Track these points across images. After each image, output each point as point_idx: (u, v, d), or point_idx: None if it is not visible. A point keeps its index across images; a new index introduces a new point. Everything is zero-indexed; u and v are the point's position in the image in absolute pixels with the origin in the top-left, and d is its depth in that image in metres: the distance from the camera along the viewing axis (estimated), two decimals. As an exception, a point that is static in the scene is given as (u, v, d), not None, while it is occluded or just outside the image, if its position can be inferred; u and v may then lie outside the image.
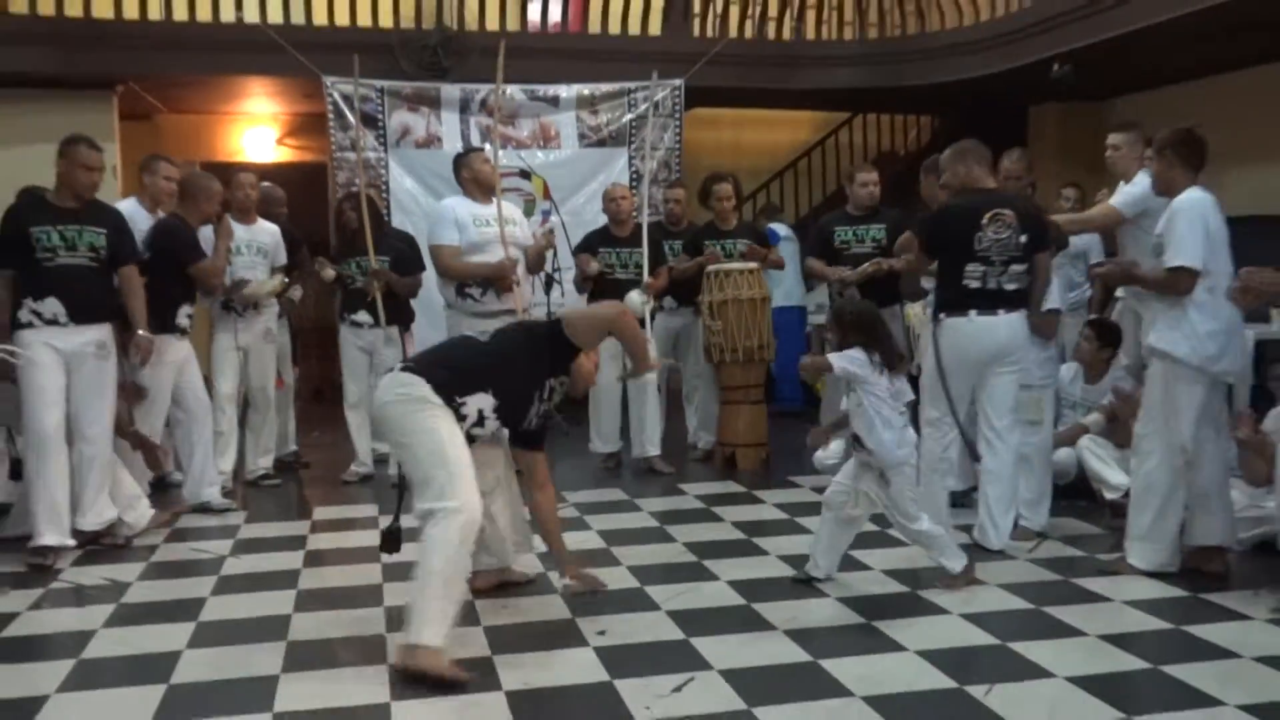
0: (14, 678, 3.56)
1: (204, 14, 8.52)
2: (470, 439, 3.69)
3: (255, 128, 11.05)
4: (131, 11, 8.38)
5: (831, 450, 6.09)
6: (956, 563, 4.23)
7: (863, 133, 11.51)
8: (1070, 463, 5.53)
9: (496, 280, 5.95)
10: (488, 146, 7.32)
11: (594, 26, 9.56)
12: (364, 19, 8.83)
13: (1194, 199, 4.30)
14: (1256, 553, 4.61)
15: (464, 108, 8.66)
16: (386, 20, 8.84)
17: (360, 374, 6.44)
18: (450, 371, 3.72)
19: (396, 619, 3.96)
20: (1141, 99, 9.44)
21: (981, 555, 4.72)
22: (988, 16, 9.05)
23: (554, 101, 8.86)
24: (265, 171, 7.43)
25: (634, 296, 6.29)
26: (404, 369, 3.78)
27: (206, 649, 3.75)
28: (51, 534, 4.71)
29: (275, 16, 8.53)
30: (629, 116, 8.95)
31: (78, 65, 8.19)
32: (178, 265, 5.59)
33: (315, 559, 4.89)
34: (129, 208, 5.97)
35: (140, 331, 5.03)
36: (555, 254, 6.64)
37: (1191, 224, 4.23)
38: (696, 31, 9.65)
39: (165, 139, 10.17)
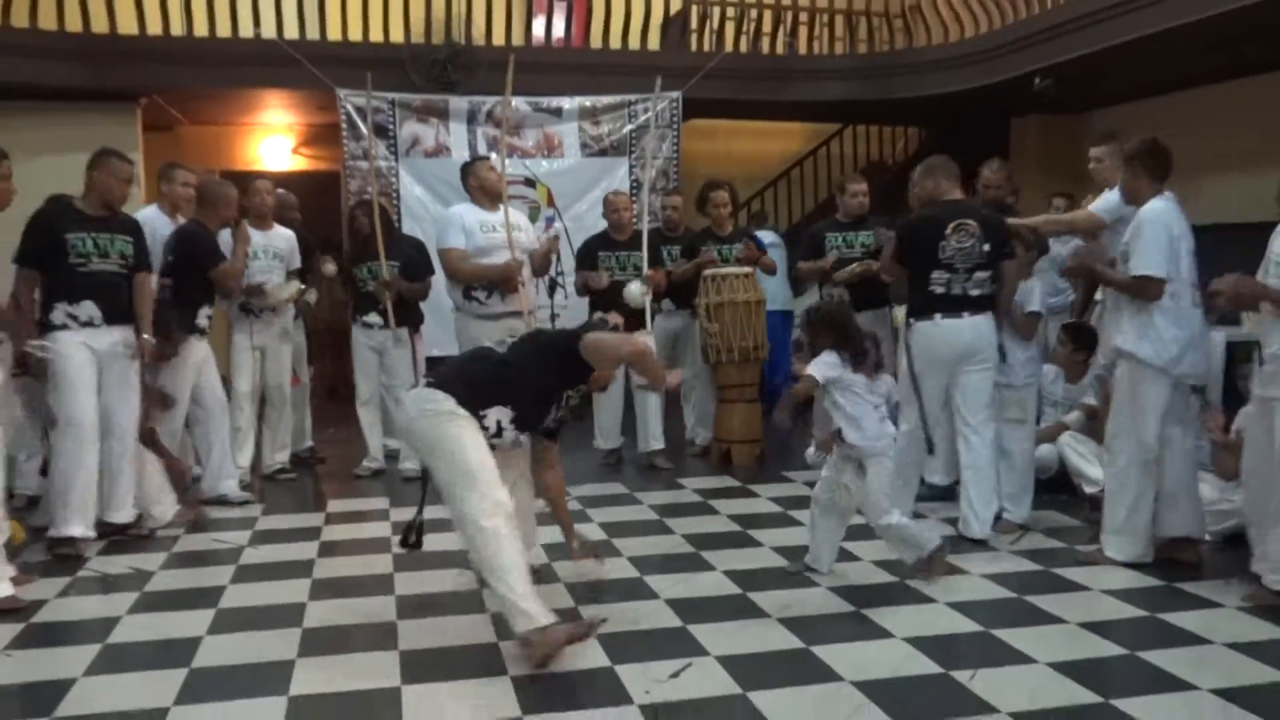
0: (43, 661, 3.58)
1: (224, 30, 8.53)
2: (490, 448, 3.65)
3: (272, 138, 11.05)
4: (155, 28, 8.38)
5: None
6: (930, 542, 4.20)
7: (852, 143, 11.51)
8: (1052, 458, 5.53)
9: (503, 281, 5.94)
10: (494, 155, 7.33)
11: (596, 42, 9.56)
12: (376, 34, 8.84)
13: (1157, 209, 4.31)
14: (1227, 544, 4.61)
15: (471, 119, 8.67)
16: (397, 35, 8.84)
17: (371, 373, 6.44)
18: (469, 387, 3.66)
19: (407, 607, 3.99)
20: (1120, 111, 9.44)
21: (966, 546, 4.74)
22: (972, 33, 9.06)
23: (557, 113, 8.87)
24: (281, 180, 7.44)
25: (633, 288, 6.29)
26: (428, 385, 3.74)
27: (226, 635, 3.76)
28: (79, 525, 4.71)
29: (291, 32, 8.55)
30: (629, 127, 8.97)
31: (103, 79, 8.20)
32: (199, 269, 5.60)
33: (329, 549, 4.89)
34: (150, 215, 5.99)
35: (144, 335, 5.01)
36: (559, 258, 6.64)
37: (1155, 233, 4.25)
38: (694, 46, 9.65)
39: (186, 149, 10.17)
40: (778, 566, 4.47)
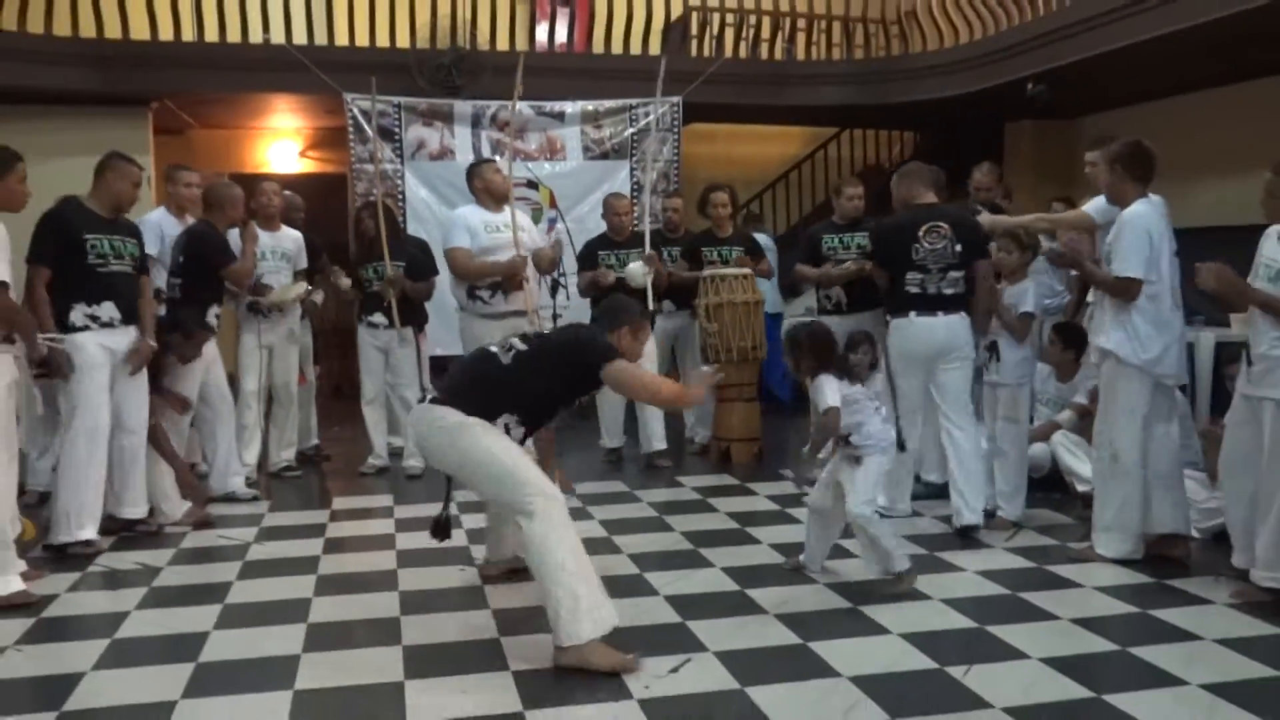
0: (53, 656, 3.56)
1: (233, 35, 8.54)
2: None
3: (280, 141, 11.05)
4: (166, 33, 8.38)
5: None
6: (899, 564, 3.99)
7: (849, 147, 11.49)
8: (1045, 457, 5.52)
9: (508, 277, 5.93)
10: (499, 158, 7.32)
11: (598, 47, 9.55)
12: (382, 39, 8.85)
13: (1139, 212, 4.31)
14: (1217, 542, 4.59)
15: (476, 122, 8.67)
16: (403, 41, 8.84)
17: (377, 372, 6.43)
18: (474, 403, 3.54)
19: (410, 603, 3.98)
20: (1113, 116, 9.41)
21: (959, 544, 4.73)
22: (967, 39, 9.05)
23: (560, 117, 8.86)
24: (289, 182, 7.42)
25: (634, 268, 6.28)
26: (433, 401, 3.64)
27: (232, 630, 3.74)
28: (91, 528, 4.69)
29: (300, 37, 8.55)
30: (630, 131, 8.96)
31: (116, 83, 8.19)
32: (210, 268, 5.59)
33: (335, 546, 4.87)
34: (158, 216, 6.00)
35: (149, 340, 4.98)
36: (560, 259, 6.63)
37: (1136, 236, 4.25)
38: (694, 52, 9.63)
39: (196, 152, 10.17)
40: (775, 563, 4.46)
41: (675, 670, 3.31)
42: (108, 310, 4.76)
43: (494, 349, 3.72)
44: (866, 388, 4.16)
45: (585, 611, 3.28)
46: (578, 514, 5.16)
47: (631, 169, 8.97)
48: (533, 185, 8.73)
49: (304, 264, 6.43)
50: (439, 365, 6.89)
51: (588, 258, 6.74)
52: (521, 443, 3.66)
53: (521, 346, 3.67)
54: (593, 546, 4.45)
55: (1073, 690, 3.14)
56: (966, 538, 4.83)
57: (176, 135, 10.01)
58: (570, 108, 8.85)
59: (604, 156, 8.95)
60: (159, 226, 5.92)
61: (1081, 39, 7.51)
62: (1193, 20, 6.54)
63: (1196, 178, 8.13)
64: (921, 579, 4.17)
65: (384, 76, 7.74)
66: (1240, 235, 4.18)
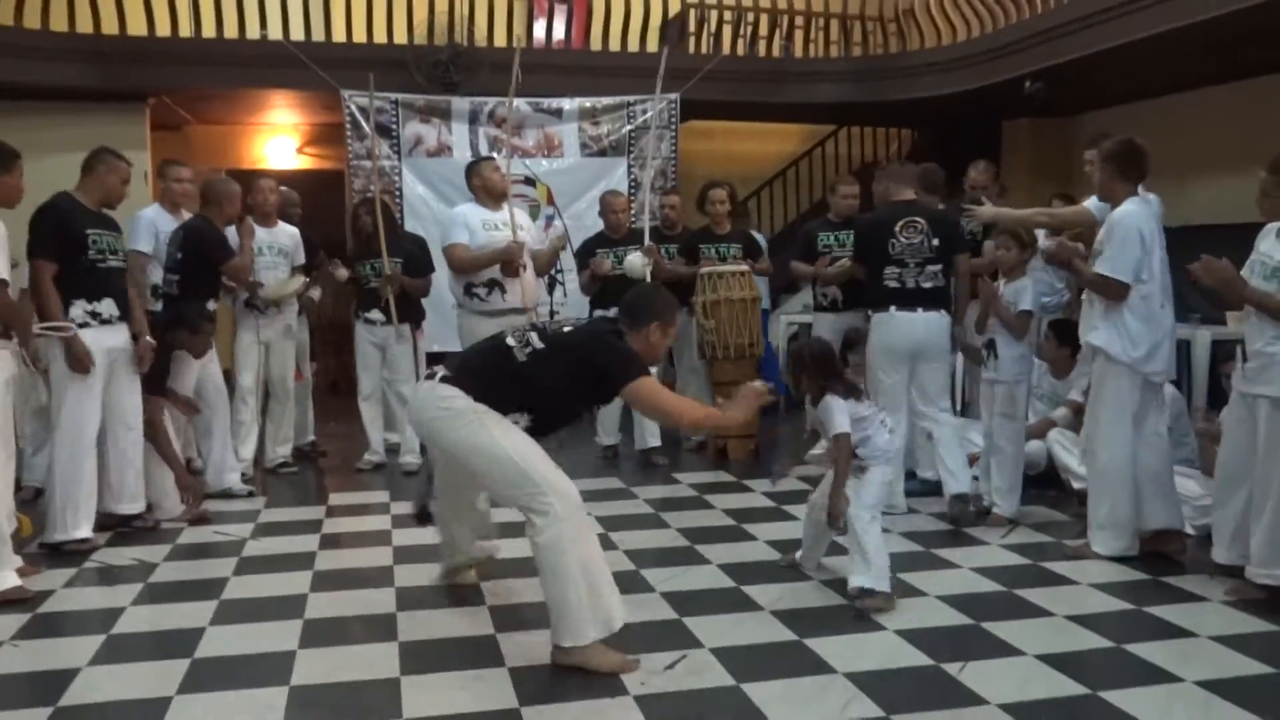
0: (48, 651, 3.56)
1: (231, 31, 8.53)
2: None
3: (277, 137, 11.04)
4: (164, 29, 8.38)
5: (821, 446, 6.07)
6: (884, 584, 3.84)
7: (847, 144, 11.49)
8: (1040, 454, 5.53)
9: (504, 263, 5.93)
10: (497, 155, 7.32)
11: (596, 44, 9.54)
12: (380, 36, 8.83)
13: (1130, 211, 4.30)
14: (1211, 539, 4.60)
15: (473, 119, 8.66)
16: (401, 37, 8.83)
17: (374, 368, 6.43)
18: (486, 389, 3.37)
19: (406, 599, 3.97)
20: (1111, 114, 9.42)
21: (955, 540, 4.74)
22: (964, 37, 9.05)
23: (557, 113, 8.85)
24: (286, 178, 7.41)
25: (633, 259, 6.27)
26: (442, 379, 3.43)
27: (228, 626, 3.74)
28: (86, 526, 4.68)
29: (297, 33, 8.54)
30: (628, 128, 8.95)
31: (113, 79, 8.19)
32: (208, 264, 5.58)
33: (331, 542, 4.87)
34: (153, 213, 6.00)
35: (145, 338, 4.97)
36: (559, 257, 6.63)
37: (1126, 237, 4.24)
38: (692, 49, 9.63)
39: (194, 148, 10.16)
40: (772, 560, 4.46)
41: (671, 667, 3.31)
42: (107, 307, 4.74)
43: (510, 343, 3.48)
44: (868, 400, 4.09)
45: (592, 613, 3.24)
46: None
47: (629, 166, 8.96)
48: (530, 182, 8.72)
49: (301, 260, 6.42)
50: (435, 362, 6.87)
51: (586, 254, 6.73)
52: None
53: (539, 345, 3.44)
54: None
55: (1068, 687, 3.14)
56: (961, 521, 4.92)
57: (174, 131, 9.99)
58: (568, 104, 8.84)
59: (602, 153, 8.94)
60: (153, 223, 5.91)
61: (1079, 37, 7.51)
62: (1190, 19, 6.54)
63: (1193, 176, 8.14)
64: (917, 575, 4.18)
65: (381, 73, 7.72)
66: (1238, 233, 4.19)
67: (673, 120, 9.01)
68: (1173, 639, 3.53)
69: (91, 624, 3.77)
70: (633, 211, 7.10)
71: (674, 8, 9.61)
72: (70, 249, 4.63)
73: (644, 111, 8.85)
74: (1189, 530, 4.67)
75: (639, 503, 5.56)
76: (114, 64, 8.17)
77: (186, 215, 5.91)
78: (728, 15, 9.81)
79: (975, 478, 5.31)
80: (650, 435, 6.57)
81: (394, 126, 8.52)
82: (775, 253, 7.82)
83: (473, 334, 5.79)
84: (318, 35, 8.63)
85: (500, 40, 9.13)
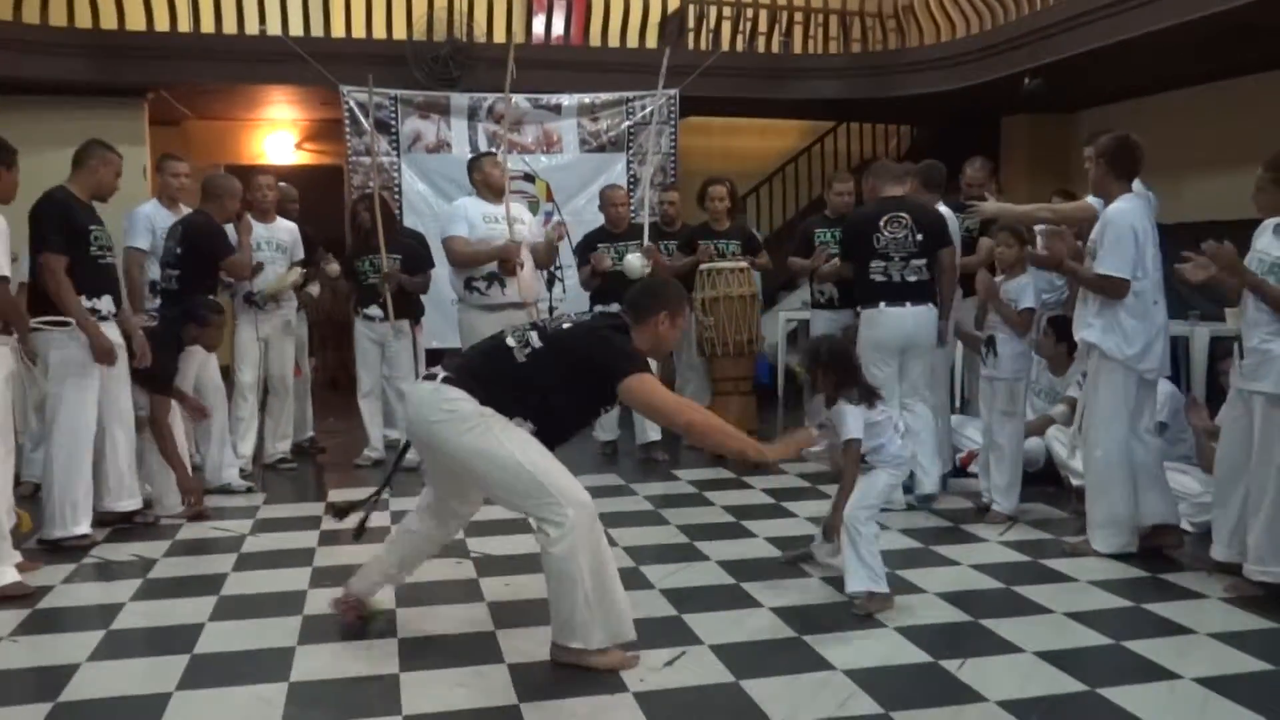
0: (48, 647, 3.55)
1: (230, 26, 8.52)
2: None
3: (276, 133, 11.03)
4: (162, 24, 8.37)
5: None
6: (881, 584, 3.79)
7: (846, 141, 11.49)
8: (1039, 451, 5.53)
9: (501, 261, 5.93)
10: (497, 150, 7.31)
11: (595, 40, 9.53)
12: (379, 31, 8.82)
13: (1123, 209, 4.30)
14: (1210, 536, 4.59)
15: (472, 115, 8.65)
16: (400, 32, 8.82)
17: (373, 365, 6.43)
18: (492, 394, 3.21)
19: (405, 595, 3.96)
20: (1110, 110, 9.42)
21: (954, 537, 4.74)
22: (963, 33, 9.05)
23: (556, 109, 8.85)
24: (284, 174, 7.41)
25: (632, 259, 6.28)
26: (445, 380, 3.26)
27: (227, 621, 3.73)
28: (86, 522, 4.67)
29: (296, 29, 8.53)
30: (627, 123, 8.95)
31: (112, 74, 8.17)
32: (208, 259, 5.56)
33: (329, 538, 4.86)
34: (150, 209, 5.99)
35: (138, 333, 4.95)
36: (558, 252, 6.62)
37: (1121, 234, 4.24)
38: (691, 45, 9.62)
39: (192, 143, 10.15)
40: (771, 557, 4.46)
41: (671, 663, 3.31)
42: (106, 304, 4.73)
43: (510, 342, 3.30)
44: (880, 404, 3.99)
45: (603, 620, 3.21)
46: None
47: (628, 162, 8.95)
48: (529, 178, 8.70)
49: (300, 255, 6.42)
50: (435, 358, 6.88)
51: (587, 249, 6.71)
52: None
53: (538, 344, 3.27)
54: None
55: (1067, 684, 3.14)
56: (926, 504, 5.04)
57: (172, 126, 9.98)
58: (567, 100, 8.83)
59: (600, 149, 8.93)
60: (150, 219, 5.90)
61: (1078, 33, 7.51)
62: (1187, 16, 6.54)
63: (1192, 172, 8.14)
64: (916, 572, 4.18)
65: (380, 69, 7.72)
66: (1234, 229, 4.18)
67: (672, 116, 9.00)
68: (1171, 636, 3.53)
69: (91, 620, 3.77)
70: (632, 207, 7.09)
71: (673, 4, 9.60)
72: (74, 244, 4.60)
73: (643, 107, 8.85)
74: (1187, 527, 4.68)
75: (639, 499, 5.56)
76: (113, 59, 8.16)
77: (185, 210, 5.90)
78: (727, 11, 9.80)
79: (974, 474, 5.33)
80: (650, 431, 6.57)
81: (393, 122, 8.51)
82: (773, 249, 7.83)
83: (473, 329, 5.79)
84: (316, 30, 8.62)
85: (500, 36, 9.11)
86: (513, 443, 3.17)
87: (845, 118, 11.29)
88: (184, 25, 8.43)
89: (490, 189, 6.14)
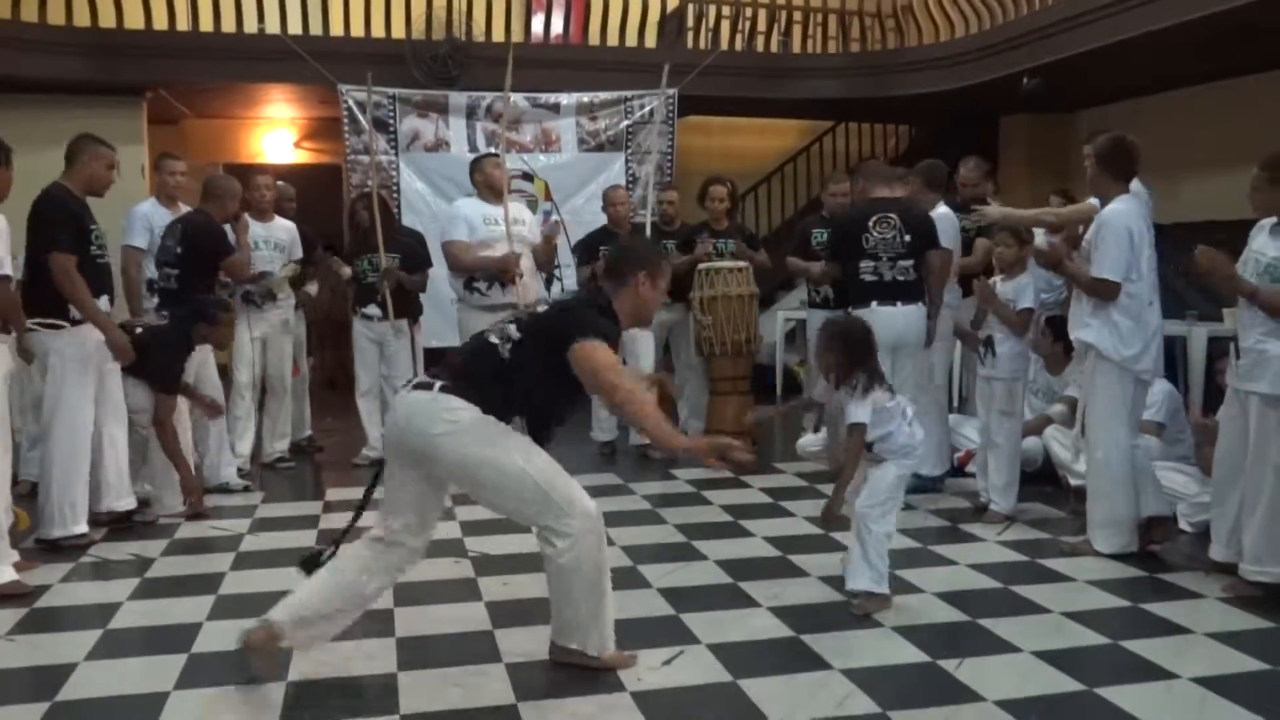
0: (46, 646, 3.55)
1: (228, 25, 8.52)
2: None
3: (274, 131, 11.03)
4: (161, 23, 8.36)
5: (813, 438, 6.05)
6: (883, 586, 3.77)
7: (845, 140, 11.49)
8: (1037, 451, 5.53)
9: (501, 273, 5.93)
10: (495, 149, 7.31)
11: (594, 39, 9.53)
12: (378, 30, 8.82)
13: (1119, 210, 4.30)
14: (1208, 536, 4.60)
15: (470, 114, 8.65)
16: (399, 31, 8.82)
17: (371, 364, 6.43)
18: (486, 399, 3.09)
19: (404, 595, 3.95)
20: (1109, 110, 9.43)
21: (952, 536, 4.74)
22: (962, 33, 9.05)
23: (555, 108, 8.85)
24: (283, 173, 7.41)
25: None
26: (443, 389, 3.10)
27: (225, 621, 3.71)
28: (84, 522, 4.67)
29: (295, 27, 8.53)
30: (626, 123, 8.95)
31: (110, 73, 8.18)
32: (210, 259, 5.56)
33: (328, 537, 4.83)
34: (148, 208, 5.99)
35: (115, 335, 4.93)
36: (556, 251, 6.62)
37: (1117, 237, 4.24)
38: (690, 44, 9.62)
39: (191, 142, 10.15)
40: (769, 556, 4.46)
41: (668, 663, 3.31)
42: (103, 304, 4.71)
43: (493, 339, 3.20)
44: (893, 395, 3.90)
45: (598, 628, 3.20)
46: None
47: (627, 161, 8.95)
48: (528, 177, 8.71)
49: (298, 254, 6.41)
50: (434, 357, 6.88)
51: (588, 250, 6.70)
52: None
53: (517, 336, 3.17)
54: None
55: (1064, 683, 3.15)
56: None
57: (171, 125, 9.98)
58: (565, 99, 8.83)
59: (599, 149, 8.94)
60: (148, 218, 5.90)
61: (1077, 33, 7.52)
62: (1186, 16, 6.55)
63: (1191, 172, 8.14)
64: (914, 572, 4.17)
65: (379, 67, 7.72)
66: (1231, 229, 4.19)
67: (670, 115, 9.00)
68: (1169, 636, 3.54)
69: (88, 619, 3.77)
70: (632, 206, 7.10)
71: (672, 3, 9.60)
72: (79, 240, 4.59)
73: (641, 106, 8.85)
74: (1185, 527, 4.69)
75: (636, 498, 5.56)
76: (111, 57, 8.16)
77: (184, 208, 5.89)
78: (726, 10, 9.80)
79: (972, 474, 5.33)
80: (647, 432, 6.56)
81: (391, 121, 8.51)
82: (772, 249, 7.84)
83: (472, 329, 5.76)
84: (315, 29, 8.62)
85: (498, 35, 9.11)
86: (519, 452, 3.10)
87: (844, 117, 11.29)
88: (182, 24, 8.44)
89: (491, 190, 6.14)
